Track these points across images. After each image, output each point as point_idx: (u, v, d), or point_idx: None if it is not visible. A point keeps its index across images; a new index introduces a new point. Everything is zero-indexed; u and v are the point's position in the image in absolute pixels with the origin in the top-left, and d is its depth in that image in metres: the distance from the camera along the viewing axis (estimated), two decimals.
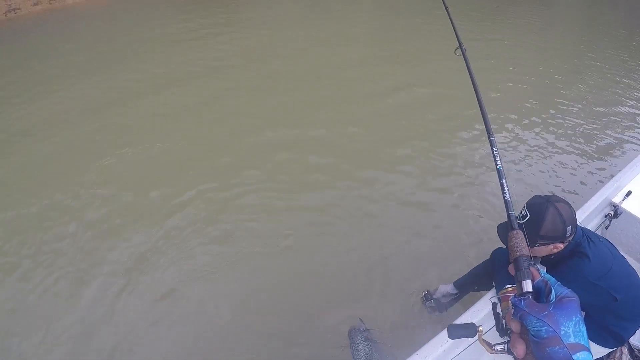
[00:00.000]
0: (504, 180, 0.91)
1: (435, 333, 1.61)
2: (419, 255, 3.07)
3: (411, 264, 2.99)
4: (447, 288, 2.33)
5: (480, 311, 1.68)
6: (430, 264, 2.98)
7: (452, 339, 1.12)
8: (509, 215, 0.87)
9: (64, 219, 3.34)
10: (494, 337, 1.08)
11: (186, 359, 2.41)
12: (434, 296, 2.37)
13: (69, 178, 3.78)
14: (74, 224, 3.30)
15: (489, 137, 1.01)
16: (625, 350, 2.04)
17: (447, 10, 1.90)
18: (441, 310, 2.40)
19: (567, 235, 1.59)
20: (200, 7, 8.33)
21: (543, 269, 1.48)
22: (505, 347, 1.01)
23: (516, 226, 0.85)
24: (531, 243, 1.64)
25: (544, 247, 1.63)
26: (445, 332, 1.46)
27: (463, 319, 1.64)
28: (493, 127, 4.49)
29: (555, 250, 1.64)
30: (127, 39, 6.67)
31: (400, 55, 6.83)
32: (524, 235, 0.85)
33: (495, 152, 0.97)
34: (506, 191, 0.90)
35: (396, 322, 2.57)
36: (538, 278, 0.85)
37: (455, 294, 2.33)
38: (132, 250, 3.07)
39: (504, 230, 1.65)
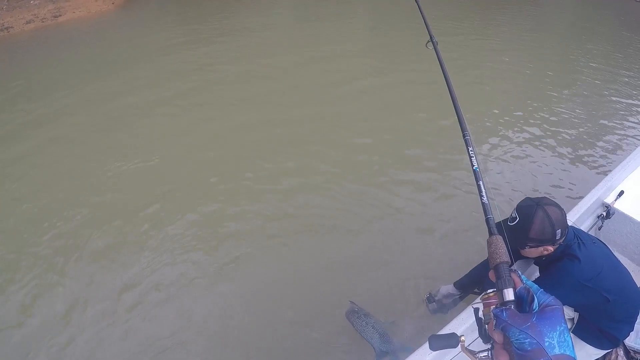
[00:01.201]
0: (481, 182, 0.87)
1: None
2: (418, 252, 3.09)
3: (409, 261, 3.00)
4: (448, 289, 2.27)
5: (465, 321, 1.63)
6: (431, 262, 2.99)
7: (434, 350, 1.07)
8: (487, 220, 0.83)
9: (57, 224, 3.33)
10: (478, 345, 1.04)
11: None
12: (436, 298, 2.32)
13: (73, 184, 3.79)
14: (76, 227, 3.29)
15: (463, 135, 0.96)
16: (620, 351, 2.00)
17: (417, 2, 1.85)
18: (444, 311, 2.35)
19: (557, 238, 1.57)
20: (194, 18, 8.25)
21: (531, 275, 1.42)
22: (489, 355, 0.96)
23: (495, 231, 0.81)
24: (521, 245, 1.64)
25: (533, 249, 1.62)
26: (427, 344, 1.41)
27: (448, 329, 1.59)
28: (480, 126, 4.51)
29: (546, 253, 1.63)
30: (118, 56, 6.56)
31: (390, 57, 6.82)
32: (505, 240, 0.80)
33: (471, 152, 0.93)
34: (484, 194, 0.85)
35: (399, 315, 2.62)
36: (520, 285, 0.81)
37: (458, 294, 2.28)
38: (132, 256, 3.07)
39: (499, 227, 1.64)
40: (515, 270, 0.79)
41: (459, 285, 2.25)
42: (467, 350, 1.00)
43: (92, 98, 5.23)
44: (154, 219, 3.37)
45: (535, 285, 0.79)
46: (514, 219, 1.61)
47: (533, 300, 0.78)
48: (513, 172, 4.01)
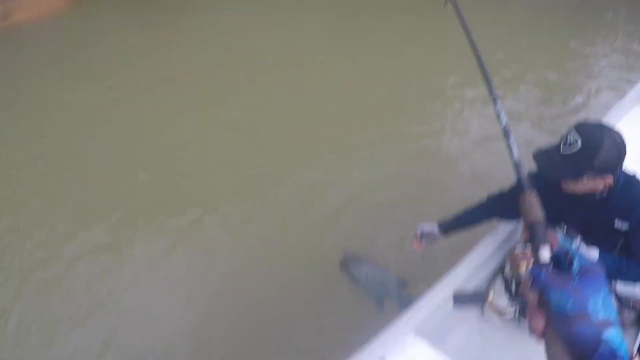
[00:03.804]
0: (512, 140, 0.81)
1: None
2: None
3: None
4: (431, 228, 1.85)
5: (484, 273, 1.58)
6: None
7: (458, 307, 1.00)
8: (519, 179, 0.78)
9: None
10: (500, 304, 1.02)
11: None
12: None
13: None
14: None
15: (491, 94, 0.89)
16: None
17: None
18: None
19: (619, 169, 1.39)
20: (151, 16, 7.67)
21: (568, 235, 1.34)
22: (515, 315, 0.94)
23: (529, 187, 0.76)
24: (578, 174, 1.38)
25: (590, 181, 1.38)
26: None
27: (463, 276, 1.48)
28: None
29: (601, 187, 1.40)
30: (76, 59, 5.98)
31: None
32: (537, 200, 0.76)
33: (498, 110, 0.85)
34: (514, 151, 0.80)
35: None
36: (557, 245, 0.76)
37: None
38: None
39: (543, 157, 1.42)
40: (553, 228, 0.75)
41: (443, 227, 1.84)
42: (494, 308, 0.99)
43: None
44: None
45: (574, 247, 0.75)
46: (572, 143, 1.33)
47: (572, 262, 0.73)
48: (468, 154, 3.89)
